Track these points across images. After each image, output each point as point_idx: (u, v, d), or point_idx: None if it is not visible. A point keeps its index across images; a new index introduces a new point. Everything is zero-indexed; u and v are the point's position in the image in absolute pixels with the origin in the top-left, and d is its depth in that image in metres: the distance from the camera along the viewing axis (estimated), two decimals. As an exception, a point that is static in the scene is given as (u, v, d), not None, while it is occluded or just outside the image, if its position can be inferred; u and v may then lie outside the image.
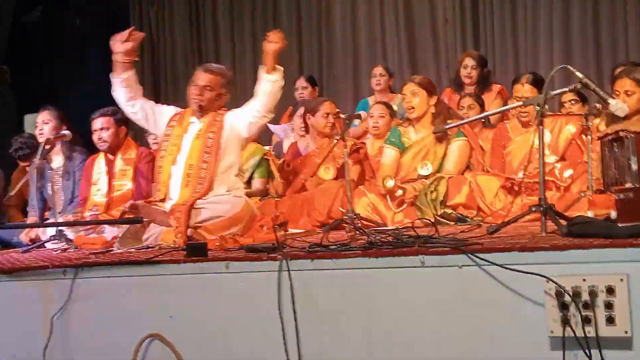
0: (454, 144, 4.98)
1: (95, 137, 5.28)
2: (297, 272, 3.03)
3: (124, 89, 4.42)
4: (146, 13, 9.56)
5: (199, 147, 4.33)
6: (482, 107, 5.80)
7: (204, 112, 4.42)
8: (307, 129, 5.61)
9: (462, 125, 4.97)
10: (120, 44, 4.35)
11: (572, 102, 5.27)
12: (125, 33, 4.35)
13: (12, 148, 5.96)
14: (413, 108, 5.02)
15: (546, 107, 3.41)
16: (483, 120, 5.73)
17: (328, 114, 5.39)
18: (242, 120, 4.37)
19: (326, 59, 8.81)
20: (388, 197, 4.82)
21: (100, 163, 5.35)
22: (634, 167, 3.23)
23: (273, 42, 4.19)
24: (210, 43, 9.37)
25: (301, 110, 5.94)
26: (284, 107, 6.67)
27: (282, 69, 4.27)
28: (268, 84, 4.25)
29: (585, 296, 2.59)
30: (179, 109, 4.60)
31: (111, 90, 4.46)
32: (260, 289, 3.09)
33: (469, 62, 6.32)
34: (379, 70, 6.91)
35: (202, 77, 4.43)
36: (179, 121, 4.48)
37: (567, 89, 3.59)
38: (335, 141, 4.62)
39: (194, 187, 4.26)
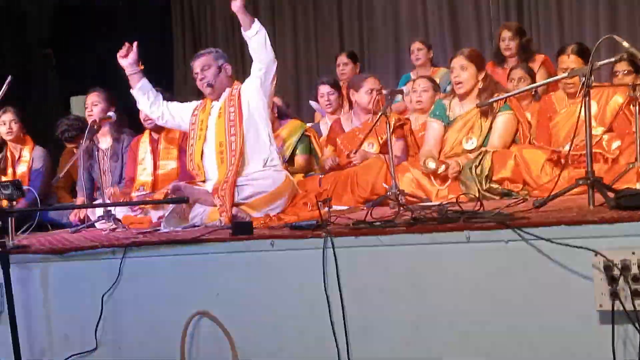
0: (499, 117, 4.90)
1: (141, 116, 5.35)
2: (342, 249, 3.04)
3: (143, 97, 4.68)
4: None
5: (223, 124, 4.45)
6: (533, 79, 5.68)
7: (216, 92, 4.55)
8: (351, 104, 5.59)
9: (509, 99, 4.90)
10: (123, 60, 4.61)
11: (625, 72, 5.14)
12: (122, 50, 4.60)
13: (59, 130, 6.05)
14: (461, 83, 4.94)
15: (592, 78, 3.35)
16: (533, 93, 5.64)
17: (372, 89, 5.36)
18: (253, 84, 4.47)
19: (367, 35, 8.76)
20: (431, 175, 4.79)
21: (145, 142, 5.41)
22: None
23: (235, 0, 4.28)
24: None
25: (324, 89, 5.96)
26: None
27: (256, 20, 4.37)
28: (251, 40, 4.36)
29: (634, 269, 2.55)
30: (199, 102, 4.73)
31: (136, 104, 4.77)
32: (305, 266, 3.11)
33: (506, 34, 6.25)
34: (416, 45, 6.85)
35: (195, 65, 4.60)
36: (201, 109, 4.63)
37: (613, 59, 3.54)
38: (378, 117, 4.58)
39: (229, 161, 4.35)
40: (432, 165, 4.72)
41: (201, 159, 4.51)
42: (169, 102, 4.80)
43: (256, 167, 4.36)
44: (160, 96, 4.75)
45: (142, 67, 4.66)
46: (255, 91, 4.46)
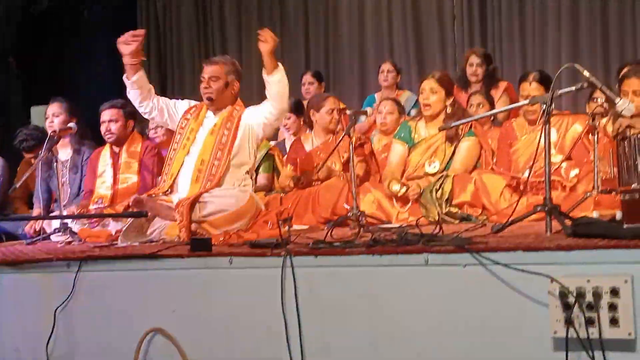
0: (463, 142, 4.95)
1: (102, 129, 5.27)
2: (301, 269, 3.04)
3: (136, 90, 4.45)
4: (153, 5, 9.56)
5: (212, 143, 4.33)
6: (492, 105, 5.77)
7: (216, 105, 4.42)
8: (311, 125, 5.60)
9: (473, 125, 4.94)
10: (125, 46, 4.35)
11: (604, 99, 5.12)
12: (127, 35, 4.35)
13: (17, 139, 5.96)
14: (429, 105, 4.98)
15: (553, 105, 3.40)
16: (492, 118, 5.71)
17: (333, 109, 5.37)
18: (257, 120, 4.37)
19: (333, 55, 8.80)
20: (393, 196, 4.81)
21: (105, 155, 5.34)
22: (640, 167, 3.21)
23: (265, 42, 4.18)
24: (216, 36, 9.37)
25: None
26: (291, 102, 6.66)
27: (281, 67, 4.26)
28: (272, 85, 4.26)
29: (589, 297, 2.58)
30: (195, 102, 4.60)
31: (126, 92, 4.52)
32: (263, 284, 3.10)
33: (474, 59, 6.29)
34: (387, 66, 6.89)
35: (206, 70, 4.45)
36: (194, 115, 4.50)
37: (574, 88, 3.57)
38: (342, 137, 4.60)
39: (204, 183, 4.25)
40: (396, 187, 4.75)
41: (178, 170, 4.37)
42: (162, 97, 4.60)
43: (225, 186, 4.30)
44: (153, 90, 4.54)
45: (144, 58, 4.45)
46: (257, 126, 4.36)
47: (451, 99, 5.02)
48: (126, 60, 4.38)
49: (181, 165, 4.37)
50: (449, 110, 4.98)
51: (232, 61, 4.56)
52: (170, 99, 4.66)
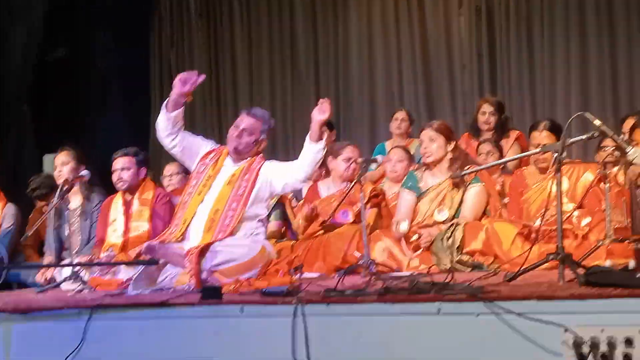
0: (470, 189, 4.95)
1: (114, 177, 5.29)
2: (312, 317, 3.02)
3: (170, 124, 4.40)
4: (166, 54, 9.68)
5: (228, 194, 4.31)
6: (501, 154, 5.78)
7: (239, 156, 4.41)
8: (328, 171, 5.62)
9: (479, 171, 4.96)
10: (183, 85, 4.31)
11: (614, 147, 5.12)
12: (191, 75, 4.33)
13: (30, 188, 6.01)
14: (430, 154, 5.01)
15: (564, 154, 3.41)
16: (501, 167, 5.71)
17: (350, 158, 5.39)
18: (280, 178, 4.35)
19: (343, 103, 8.85)
20: (403, 241, 4.80)
21: (117, 203, 5.35)
22: (653, 216, 3.21)
23: (323, 113, 4.17)
24: (228, 83, 9.45)
25: None
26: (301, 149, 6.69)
27: (324, 139, 4.24)
28: (313, 153, 4.24)
29: (603, 347, 2.56)
30: (216, 146, 4.57)
31: (157, 120, 4.46)
32: (275, 333, 3.08)
33: (487, 108, 6.30)
34: (401, 114, 6.91)
35: (243, 120, 4.42)
36: (213, 160, 4.47)
37: (585, 137, 3.59)
38: (352, 184, 4.61)
39: (216, 233, 4.23)
40: (404, 226, 4.74)
41: (192, 217, 4.33)
42: (186, 132, 4.52)
43: (237, 235, 4.29)
44: (182, 127, 4.48)
45: (191, 99, 4.42)
46: (279, 183, 4.35)
47: (452, 145, 5.04)
48: (174, 94, 4.34)
49: (194, 212, 4.34)
50: (451, 155, 5.00)
51: (271, 120, 4.55)
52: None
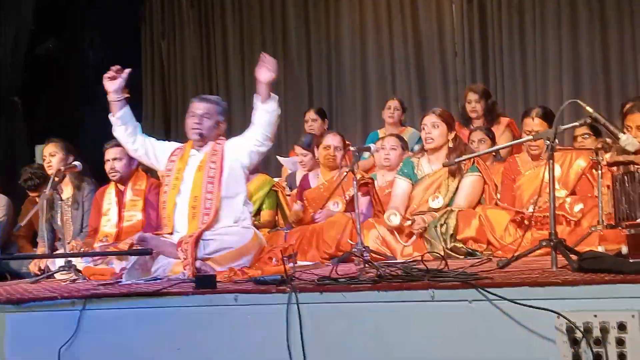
0: (467, 178, 4.97)
1: (107, 167, 5.29)
2: (306, 305, 3.02)
3: (121, 127, 4.47)
4: (157, 45, 9.65)
5: (202, 178, 4.34)
6: (493, 141, 5.78)
7: (203, 142, 4.43)
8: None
9: (476, 160, 4.96)
10: (110, 82, 4.39)
11: (585, 135, 5.25)
12: (112, 70, 4.39)
13: (22, 178, 6.00)
14: (432, 139, 5.01)
15: (556, 141, 3.41)
16: (494, 154, 5.72)
17: (329, 146, 5.40)
18: (242, 148, 4.38)
19: (336, 92, 8.85)
20: (395, 231, 4.81)
21: (110, 193, 5.36)
22: (645, 201, 3.21)
23: (269, 71, 4.18)
24: (220, 75, 9.43)
25: (298, 150, 6.03)
26: (294, 139, 6.71)
27: (276, 97, 4.28)
28: (265, 113, 4.26)
29: (596, 332, 2.56)
30: (179, 144, 4.61)
31: (112, 130, 4.52)
32: (268, 321, 3.08)
33: (472, 96, 6.33)
34: (394, 103, 6.92)
35: (199, 106, 4.46)
36: (179, 155, 4.50)
37: (577, 124, 3.59)
38: (345, 173, 4.62)
39: (201, 219, 4.26)
40: (394, 219, 4.75)
41: (173, 210, 4.38)
42: (148, 137, 4.60)
43: (226, 223, 4.31)
44: (139, 128, 4.55)
45: (128, 95, 4.46)
46: (243, 154, 4.36)
47: (453, 134, 5.04)
48: (111, 97, 4.41)
49: (174, 205, 4.37)
50: (450, 145, 5.01)
51: (223, 102, 4.61)
52: (175, 138, 4.68)
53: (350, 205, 4.97)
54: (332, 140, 5.43)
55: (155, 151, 4.56)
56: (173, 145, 4.61)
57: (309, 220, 5.28)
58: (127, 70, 4.41)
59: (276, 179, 6.02)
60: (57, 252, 5.22)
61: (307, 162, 6.06)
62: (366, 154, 6.06)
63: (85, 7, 9.12)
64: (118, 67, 4.39)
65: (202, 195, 4.30)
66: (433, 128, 5.01)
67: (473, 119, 6.32)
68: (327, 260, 4.80)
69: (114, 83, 4.39)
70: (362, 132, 8.21)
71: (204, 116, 4.42)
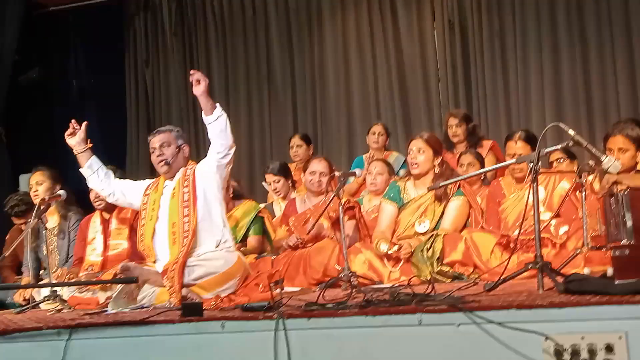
0: (452, 202, 4.98)
1: (92, 196, 5.28)
2: (294, 331, 3.01)
3: (93, 176, 4.64)
4: (141, 72, 9.65)
5: (177, 204, 4.39)
6: (482, 165, 5.76)
7: (172, 171, 4.50)
8: (294, 185, 5.66)
9: (462, 184, 4.98)
10: (71, 138, 4.60)
11: (560, 160, 5.32)
12: (70, 128, 4.60)
13: (9, 205, 5.95)
14: (417, 164, 5.03)
15: (539, 164, 3.44)
16: (482, 177, 5.74)
17: (315, 171, 5.41)
18: (209, 166, 4.43)
19: (320, 117, 8.87)
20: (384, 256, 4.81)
21: (95, 222, 5.34)
22: (629, 223, 3.24)
23: (198, 84, 4.26)
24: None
25: (269, 178, 6.14)
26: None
27: (217, 104, 4.35)
28: (213, 125, 4.32)
29: (584, 354, 2.57)
30: (151, 180, 4.70)
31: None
32: (256, 348, 3.07)
33: (453, 121, 6.40)
34: (378, 128, 6.96)
35: (155, 140, 4.56)
36: (153, 189, 4.58)
37: (559, 146, 3.62)
38: (331, 198, 4.62)
39: (181, 243, 4.28)
40: (384, 247, 4.76)
41: (152, 239, 4.42)
42: (121, 180, 4.74)
43: (208, 248, 4.32)
44: (111, 174, 4.69)
45: (90, 145, 4.62)
46: (211, 173, 4.42)
47: (439, 159, 5.06)
48: (75, 150, 4.61)
49: (153, 233, 4.42)
50: (437, 170, 5.03)
51: (178, 129, 4.71)
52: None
53: (335, 226, 4.97)
54: (317, 166, 5.44)
55: (130, 192, 4.68)
56: (146, 182, 4.71)
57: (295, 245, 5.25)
58: (85, 124, 4.61)
59: (262, 205, 6.02)
60: (42, 281, 5.17)
61: (281, 188, 6.08)
62: (351, 179, 6.08)
63: (69, 35, 9.13)
64: (74, 121, 4.61)
65: (179, 220, 4.35)
66: (419, 153, 5.03)
67: (455, 143, 6.36)
68: (315, 285, 4.78)
69: (74, 138, 4.59)
70: (348, 158, 8.22)
71: (162, 146, 4.51)
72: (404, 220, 5.04)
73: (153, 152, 4.54)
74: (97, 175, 4.62)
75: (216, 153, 4.39)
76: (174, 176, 4.52)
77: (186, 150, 4.58)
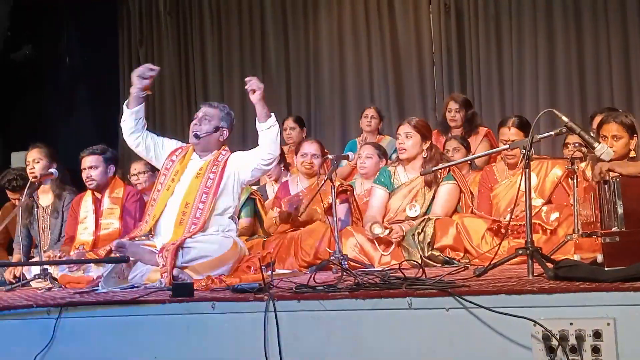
0: (443, 186, 4.99)
1: (84, 175, 5.26)
2: (284, 313, 3.02)
3: (133, 121, 4.43)
4: (135, 52, 9.60)
5: (198, 186, 4.32)
6: (468, 150, 5.83)
7: (202, 147, 4.42)
8: (286, 167, 5.66)
9: (452, 169, 4.99)
10: (140, 79, 4.37)
11: (576, 144, 5.20)
12: (145, 68, 4.39)
13: (6, 179, 5.92)
14: (405, 149, 5.04)
15: (532, 150, 3.44)
16: (470, 163, 5.75)
17: (306, 153, 5.40)
18: (247, 165, 4.38)
19: (314, 100, 8.86)
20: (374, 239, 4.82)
21: (87, 201, 5.32)
22: (620, 210, 3.25)
23: (254, 92, 4.22)
24: (199, 83, 9.40)
25: None
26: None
27: (272, 114, 4.30)
28: (264, 133, 4.29)
29: (572, 340, 2.59)
30: (182, 144, 4.60)
31: (120, 120, 4.51)
32: (246, 329, 3.08)
33: (453, 105, 6.37)
34: (371, 112, 6.95)
35: (201, 110, 4.49)
36: (179, 157, 4.48)
37: (552, 133, 3.62)
38: (324, 181, 4.62)
39: (188, 227, 4.24)
40: (377, 230, 4.76)
41: (161, 211, 4.35)
42: (152, 133, 4.58)
43: (209, 232, 4.29)
44: (145, 126, 4.52)
45: (150, 93, 4.49)
46: (247, 170, 4.37)
47: (428, 144, 5.07)
48: (135, 91, 4.40)
49: (164, 206, 4.35)
50: (425, 155, 5.03)
51: (230, 112, 4.59)
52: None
53: (328, 212, 4.98)
54: (309, 148, 5.43)
55: (156, 149, 4.54)
56: (175, 144, 4.60)
57: (288, 226, 5.25)
58: (157, 69, 4.42)
59: (254, 187, 6.01)
60: (34, 259, 5.17)
61: (272, 172, 6.07)
62: (344, 162, 6.08)
63: (62, 12, 9.07)
64: (151, 66, 4.39)
65: (194, 204, 4.28)
66: (406, 138, 5.04)
67: (452, 127, 6.35)
68: (306, 268, 4.79)
69: (144, 80, 4.38)
70: (341, 141, 8.22)
71: (203, 118, 4.44)
72: (394, 204, 5.05)
73: (195, 118, 4.47)
74: (135, 124, 4.42)
75: (261, 159, 4.34)
76: (202, 152, 4.44)
77: (225, 134, 4.48)
